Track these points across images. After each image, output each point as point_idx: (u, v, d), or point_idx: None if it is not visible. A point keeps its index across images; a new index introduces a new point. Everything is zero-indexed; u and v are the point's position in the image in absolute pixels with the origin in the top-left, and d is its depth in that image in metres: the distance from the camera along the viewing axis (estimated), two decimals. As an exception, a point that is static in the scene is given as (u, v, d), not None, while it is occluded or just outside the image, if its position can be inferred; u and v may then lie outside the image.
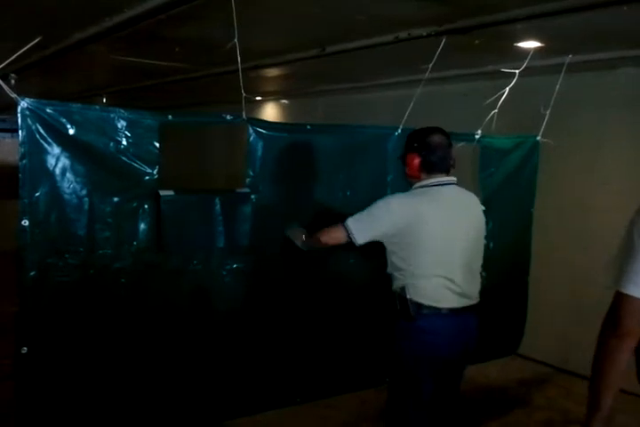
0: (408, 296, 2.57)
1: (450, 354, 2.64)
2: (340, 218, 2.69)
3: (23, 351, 2.33)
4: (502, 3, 2.89)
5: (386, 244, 2.65)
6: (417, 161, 2.64)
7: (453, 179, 2.70)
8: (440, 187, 2.65)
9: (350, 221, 2.62)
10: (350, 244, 2.64)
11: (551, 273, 4.45)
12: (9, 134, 17.36)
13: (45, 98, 2.32)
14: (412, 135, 2.73)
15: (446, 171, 2.68)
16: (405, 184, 3.04)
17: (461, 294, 2.62)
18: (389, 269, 2.69)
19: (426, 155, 2.63)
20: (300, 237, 2.84)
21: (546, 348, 4.62)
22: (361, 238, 2.61)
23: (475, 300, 2.69)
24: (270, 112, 8.07)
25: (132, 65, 5.25)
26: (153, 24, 3.39)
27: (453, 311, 2.59)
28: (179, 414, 2.76)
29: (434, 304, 2.57)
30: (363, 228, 2.60)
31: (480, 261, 2.77)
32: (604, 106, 4.34)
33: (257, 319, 2.93)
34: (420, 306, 2.56)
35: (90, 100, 8.03)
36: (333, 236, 2.68)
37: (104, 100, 8.28)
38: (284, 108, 8.04)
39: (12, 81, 2.29)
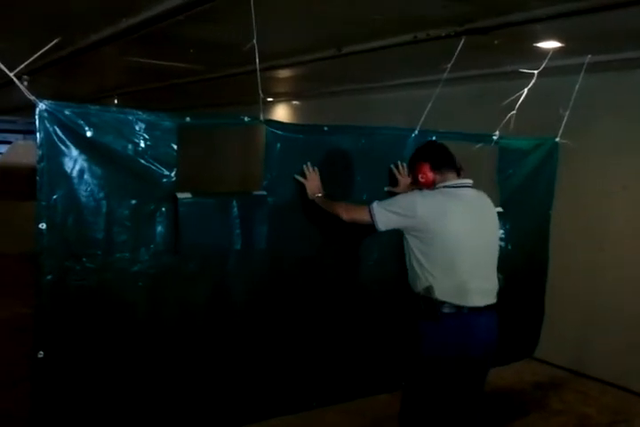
0: (433, 296, 2.63)
1: (474, 353, 2.69)
2: None
3: (40, 356, 2.30)
4: (523, 3, 2.86)
5: (408, 236, 2.72)
6: (427, 166, 2.76)
7: (469, 181, 2.79)
8: (458, 189, 2.74)
9: (376, 207, 2.71)
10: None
11: (567, 276, 4.40)
12: (21, 136, 17.45)
13: (57, 99, 2.28)
14: (413, 155, 2.89)
15: (456, 169, 2.78)
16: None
17: (483, 293, 2.70)
18: (410, 266, 2.74)
19: (433, 157, 2.77)
20: (326, 203, 2.89)
21: (561, 351, 4.58)
22: (382, 225, 2.71)
23: (494, 299, 2.76)
24: (282, 113, 8.05)
25: (145, 66, 5.26)
26: (168, 25, 3.37)
27: (477, 310, 2.66)
28: (195, 419, 2.73)
29: (458, 303, 2.63)
30: (386, 215, 2.69)
31: (496, 262, 2.84)
32: (623, 107, 4.29)
33: (274, 322, 2.90)
34: (444, 306, 2.62)
35: (101, 102, 8.04)
36: (356, 216, 2.79)
37: (115, 102, 8.29)
38: (296, 110, 8.02)
39: (25, 82, 2.25)
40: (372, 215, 2.70)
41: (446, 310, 2.62)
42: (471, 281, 2.65)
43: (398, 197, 2.80)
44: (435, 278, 2.63)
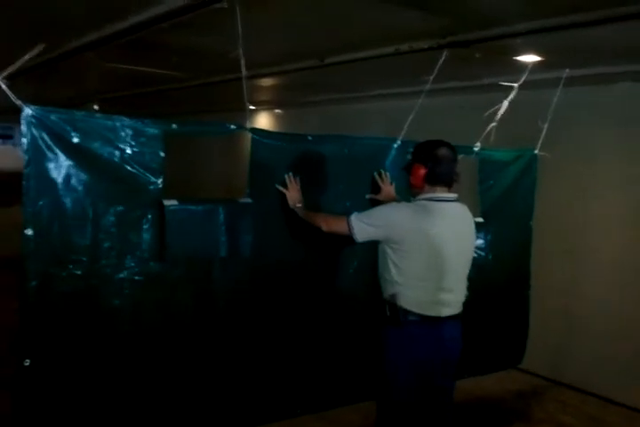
0: (398, 304, 2.68)
1: (435, 360, 2.73)
2: None
3: (26, 364, 2.28)
4: (504, 17, 2.92)
5: (383, 245, 2.76)
6: (422, 172, 2.72)
7: (455, 196, 2.79)
8: (442, 203, 2.73)
9: (354, 219, 2.73)
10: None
11: (545, 286, 4.46)
12: (0, 140, 17.21)
13: (36, 104, 2.27)
14: (420, 146, 2.81)
15: (449, 184, 2.76)
16: (404, 195, 3.08)
17: (448, 305, 2.74)
18: (381, 274, 2.79)
19: (432, 167, 2.71)
20: (306, 214, 2.91)
21: (541, 361, 4.62)
22: (360, 237, 2.74)
23: (459, 309, 2.80)
24: (264, 121, 8.06)
25: (127, 72, 5.23)
26: (152, 32, 3.37)
27: (440, 320, 2.71)
28: (178, 427, 2.73)
29: (422, 312, 2.68)
30: (363, 227, 2.72)
31: (467, 275, 2.86)
32: (599, 120, 4.38)
33: (258, 330, 2.90)
34: (409, 313, 2.68)
35: (81, 107, 7.98)
36: (335, 227, 2.81)
37: (95, 107, 8.23)
38: (278, 118, 8.04)
39: (4, 86, 2.24)
40: (349, 227, 2.72)
41: (410, 317, 2.67)
42: (437, 294, 2.69)
43: (377, 210, 2.79)
44: (402, 287, 2.68)
